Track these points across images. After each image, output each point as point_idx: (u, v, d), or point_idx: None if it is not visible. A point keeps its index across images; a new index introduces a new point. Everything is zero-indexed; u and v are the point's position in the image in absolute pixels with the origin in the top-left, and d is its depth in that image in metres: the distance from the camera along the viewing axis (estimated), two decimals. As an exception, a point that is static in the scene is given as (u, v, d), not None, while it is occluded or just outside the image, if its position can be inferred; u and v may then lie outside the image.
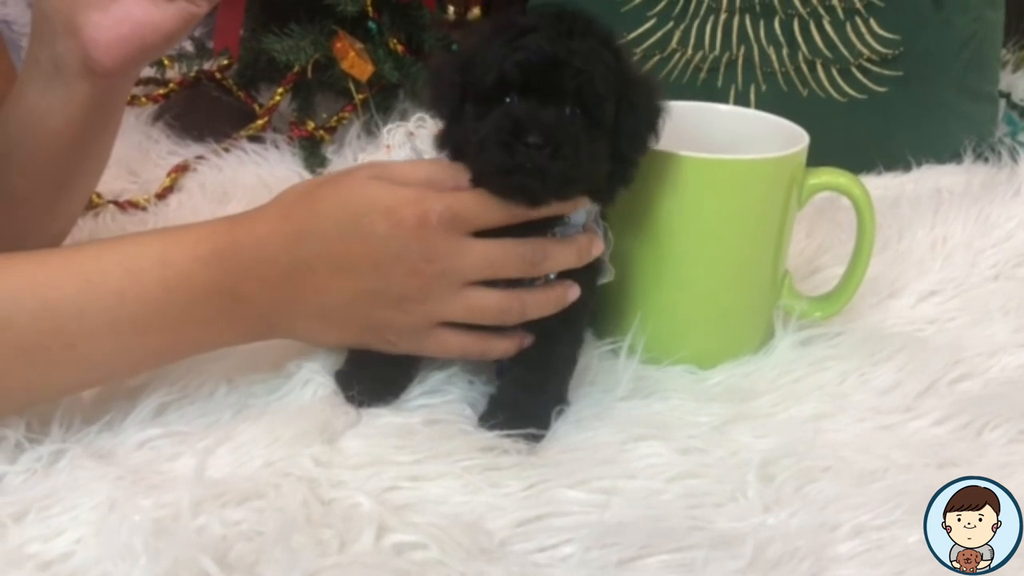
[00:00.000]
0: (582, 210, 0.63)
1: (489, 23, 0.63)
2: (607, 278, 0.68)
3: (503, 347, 0.65)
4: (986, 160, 1.09)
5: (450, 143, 0.62)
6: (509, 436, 0.62)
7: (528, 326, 0.65)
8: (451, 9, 1.29)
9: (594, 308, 0.69)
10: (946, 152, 1.12)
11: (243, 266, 0.60)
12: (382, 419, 0.64)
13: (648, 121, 0.63)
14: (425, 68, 1.12)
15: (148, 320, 0.59)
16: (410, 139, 0.85)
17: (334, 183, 0.63)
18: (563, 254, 0.63)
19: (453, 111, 0.61)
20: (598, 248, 0.65)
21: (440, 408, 0.65)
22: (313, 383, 0.65)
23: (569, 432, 0.64)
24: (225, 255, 0.60)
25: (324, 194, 0.62)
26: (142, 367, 0.64)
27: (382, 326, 0.63)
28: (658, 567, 0.53)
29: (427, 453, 0.60)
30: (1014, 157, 1.05)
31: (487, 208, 0.60)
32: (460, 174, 0.61)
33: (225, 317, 0.61)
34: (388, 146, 0.93)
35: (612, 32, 0.61)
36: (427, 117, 0.85)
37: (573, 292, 0.64)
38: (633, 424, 0.65)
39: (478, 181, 0.60)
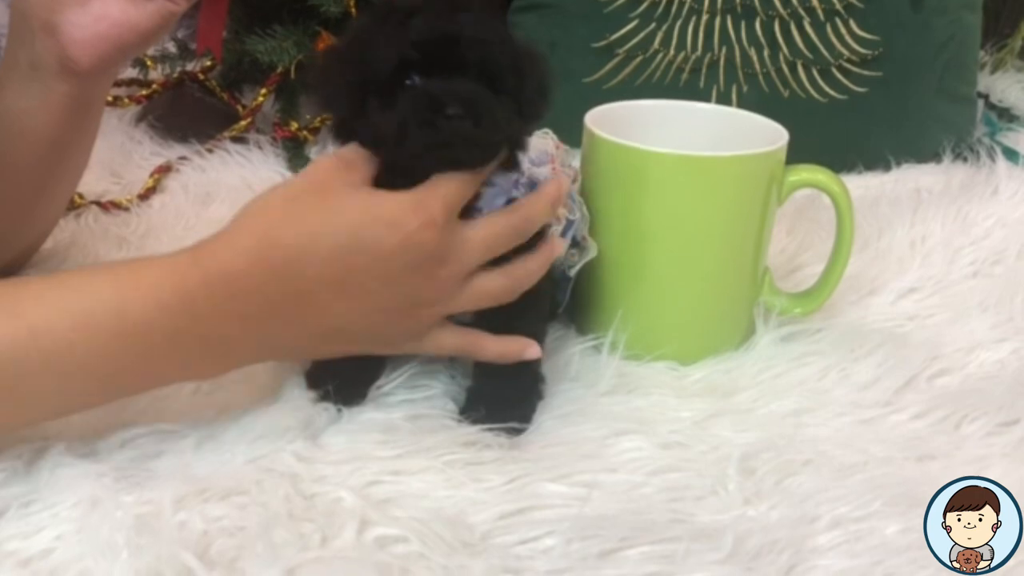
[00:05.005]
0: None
1: (366, 15, 0.61)
2: (591, 254, 0.68)
3: (496, 349, 0.64)
4: (965, 160, 1.10)
5: (359, 137, 0.60)
6: (491, 430, 0.62)
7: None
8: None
9: (566, 297, 0.69)
10: (925, 152, 1.13)
11: (218, 307, 0.55)
12: (364, 415, 0.63)
13: (541, 85, 0.61)
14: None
15: (99, 368, 0.55)
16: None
17: (314, 196, 0.57)
18: (540, 207, 0.62)
19: (353, 107, 0.59)
20: (564, 186, 0.64)
21: (422, 403, 0.65)
22: (295, 380, 0.65)
23: (551, 427, 0.65)
24: (195, 298, 0.55)
25: (309, 211, 0.56)
26: (96, 404, 0.59)
27: (390, 336, 0.61)
28: (639, 559, 0.53)
29: (409, 448, 0.60)
30: (992, 157, 1.05)
31: (465, 183, 0.58)
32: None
33: (195, 359, 0.58)
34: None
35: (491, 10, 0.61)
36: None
37: (558, 246, 0.65)
38: (615, 419, 0.65)
39: (401, 166, 0.58)
